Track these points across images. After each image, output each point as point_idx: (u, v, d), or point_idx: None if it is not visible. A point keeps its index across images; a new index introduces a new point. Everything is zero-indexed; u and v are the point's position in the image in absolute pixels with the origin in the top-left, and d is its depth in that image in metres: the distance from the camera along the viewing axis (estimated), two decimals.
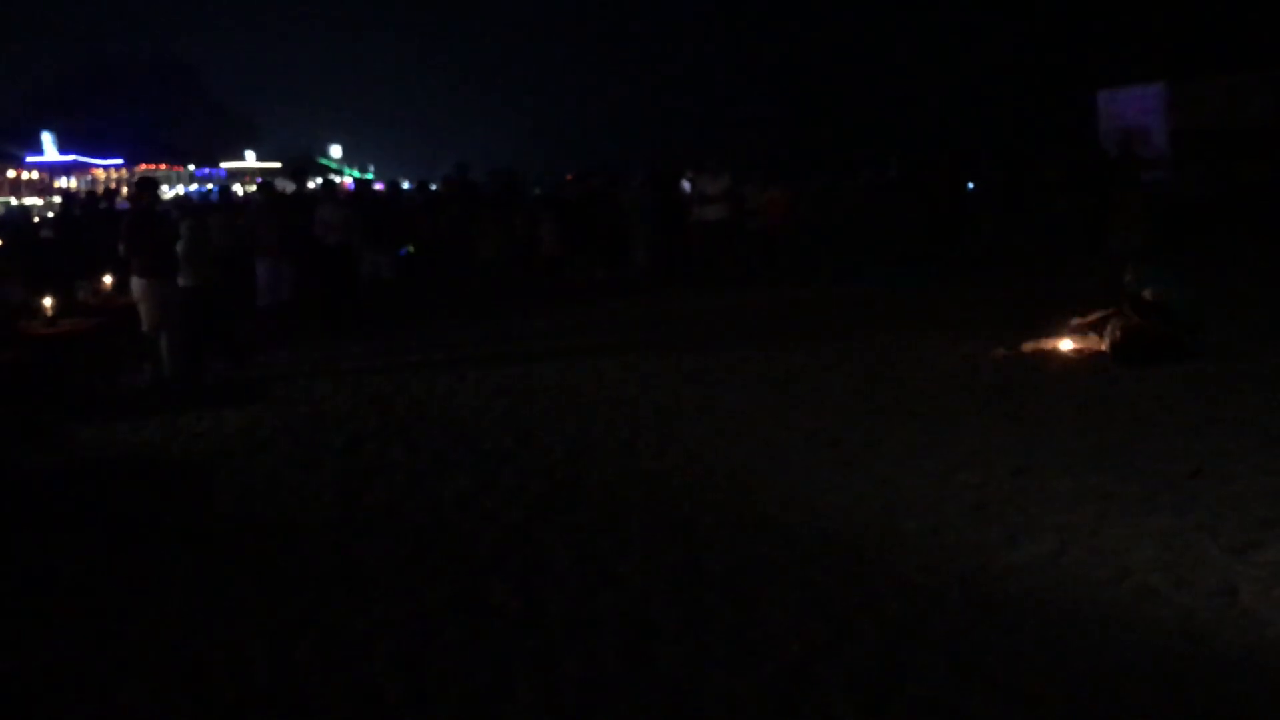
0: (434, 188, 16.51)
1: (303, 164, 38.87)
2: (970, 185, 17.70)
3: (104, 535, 5.89)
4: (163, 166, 63.98)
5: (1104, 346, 8.77)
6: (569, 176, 19.04)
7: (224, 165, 72.85)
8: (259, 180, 24.02)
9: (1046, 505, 5.44)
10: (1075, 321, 9.10)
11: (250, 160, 76.63)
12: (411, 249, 15.14)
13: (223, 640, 4.44)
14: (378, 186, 24.10)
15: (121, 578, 5.23)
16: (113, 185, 39.55)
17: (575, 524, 5.64)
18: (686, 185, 17.12)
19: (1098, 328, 8.94)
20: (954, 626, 4.18)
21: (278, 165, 68.00)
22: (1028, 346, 9.18)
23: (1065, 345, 9.04)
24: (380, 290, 13.85)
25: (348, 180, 42.43)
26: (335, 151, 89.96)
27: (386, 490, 6.46)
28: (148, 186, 10.53)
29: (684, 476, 6.36)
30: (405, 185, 17.70)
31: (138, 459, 7.60)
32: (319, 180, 21.62)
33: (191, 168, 68.78)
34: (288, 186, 20.30)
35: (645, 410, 8.08)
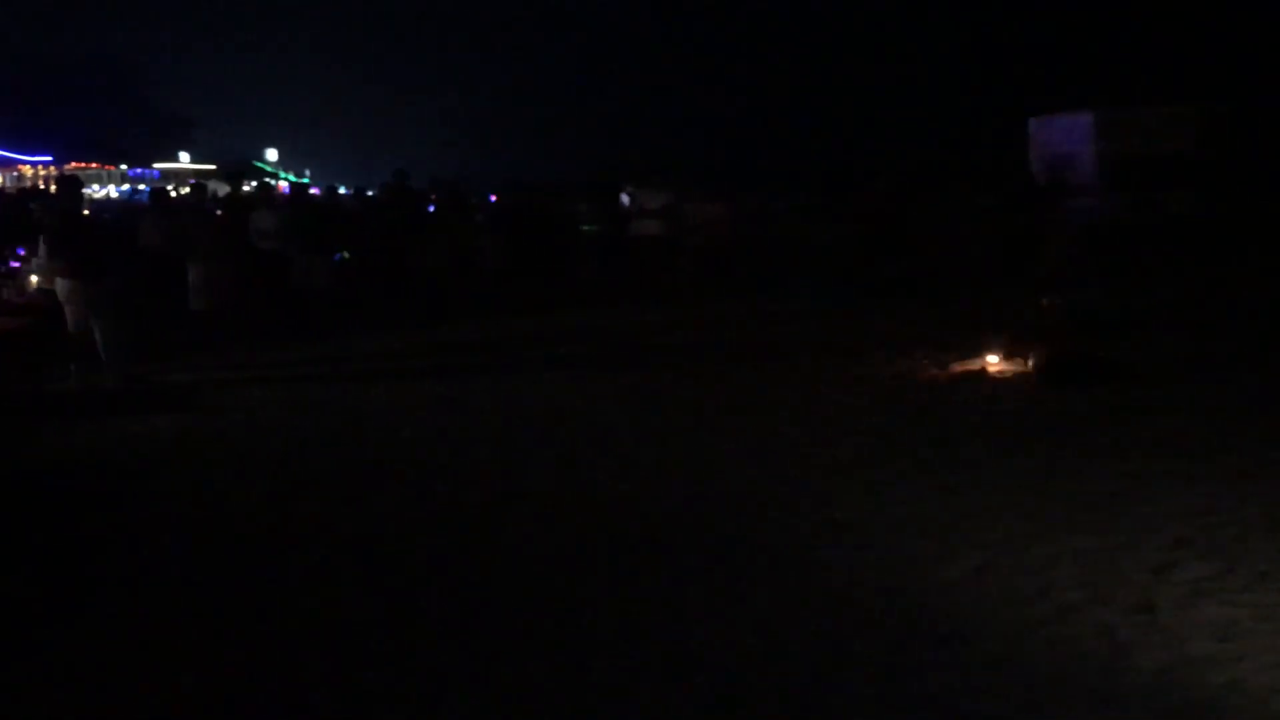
0: (371, 194, 16.41)
1: (239, 167, 38.34)
2: (906, 207, 17.97)
3: (24, 542, 5.77)
4: (94, 166, 62.67)
5: (1029, 367, 8.97)
6: (505, 186, 19.05)
7: (158, 166, 71.54)
8: (192, 182, 23.67)
9: (972, 523, 5.55)
10: (1000, 341, 9.30)
11: (185, 162, 75.36)
12: (346, 255, 15.02)
13: (148, 650, 4.38)
14: (314, 191, 23.86)
15: (42, 585, 5.13)
16: (38, 183, 38.66)
17: (509, 537, 5.64)
18: (625, 199, 17.21)
19: (1022, 348, 9.16)
20: (883, 642, 4.25)
21: (213, 167, 66.97)
22: (956, 367, 9.36)
23: (993, 365, 9.23)
24: (315, 297, 13.72)
25: (284, 184, 41.95)
26: (272, 155, 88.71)
27: (320, 501, 6.40)
28: (71, 185, 10.36)
29: (619, 490, 6.39)
30: (342, 190, 17.57)
31: (63, 464, 7.45)
32: (254, 184, 21.36)
33: (124, 168, 67.46)
34: (221, 189, 20.06)
35: (582, 424, 8.10)
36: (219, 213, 13.87)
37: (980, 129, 39.41)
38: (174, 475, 6.98)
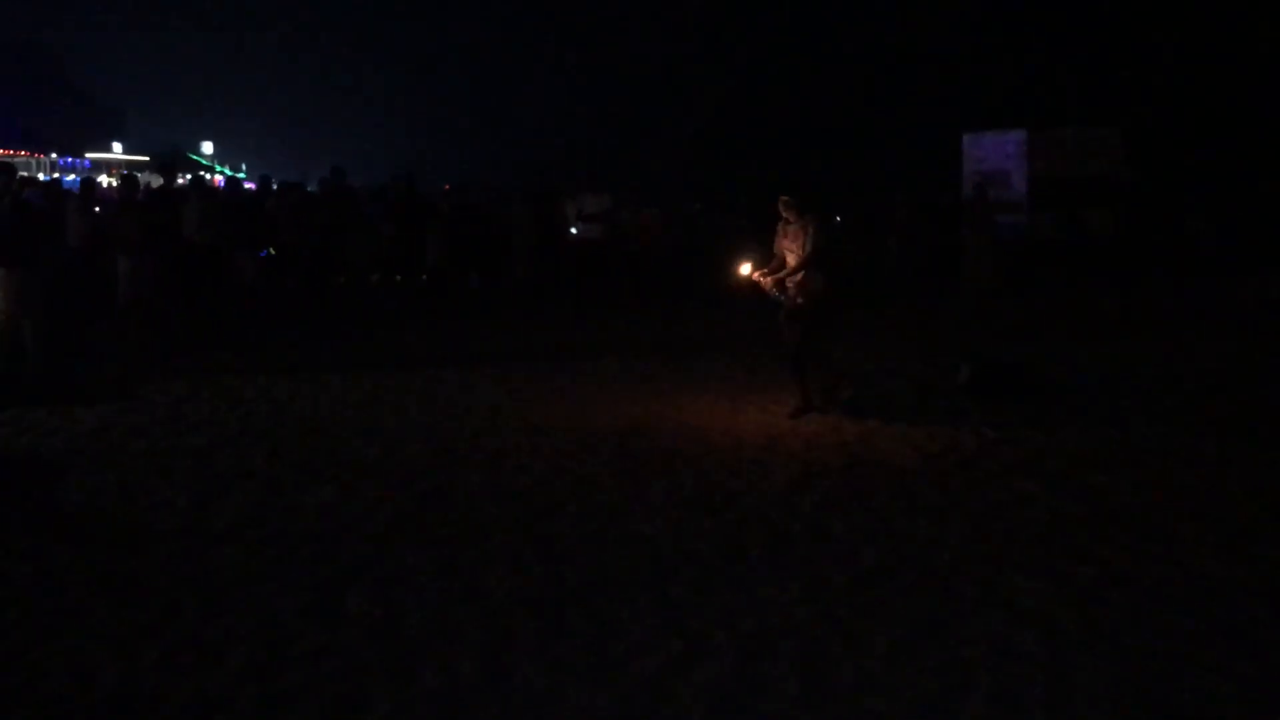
0: (311, 189, 16.21)
1: (172, 159, 37.67)
2: (838, 219, 18.24)
3: None
4: (23, 154, 61.14)
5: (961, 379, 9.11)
6: (446, 187, 18.94)
7: (89, 156, 69.98)
8: (121, 173, 23.22)
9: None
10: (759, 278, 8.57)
11: (117, 152, 73.80)
12: (272, 251, 14.81)
13: (66, 646, 4.31)
14: (249, 186, 23.52)
15: None
16: None
17: (437, 536, 5.63)
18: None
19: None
20: (805, 641, 4.32)
21: (145, 159, 65.65)
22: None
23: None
24: (244, 293, 13.54)
25: (219, 178, 41.28)
26: (207, 148, 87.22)
27: (244, 496, 6.33)
28: (7, 172, 10.13)
29: (546, 490, 6.41)
30: (274, 185, 17.37)
31: None
32: (188, 177, 21.01)
33: (54, 156, 65.93)
34: (154, 180, 19.69)
35: (513, 423, 8.11)
36: (148, 205, 13.59)
37: (914, 143, 39.99)
38: (95, 468, 6.85)
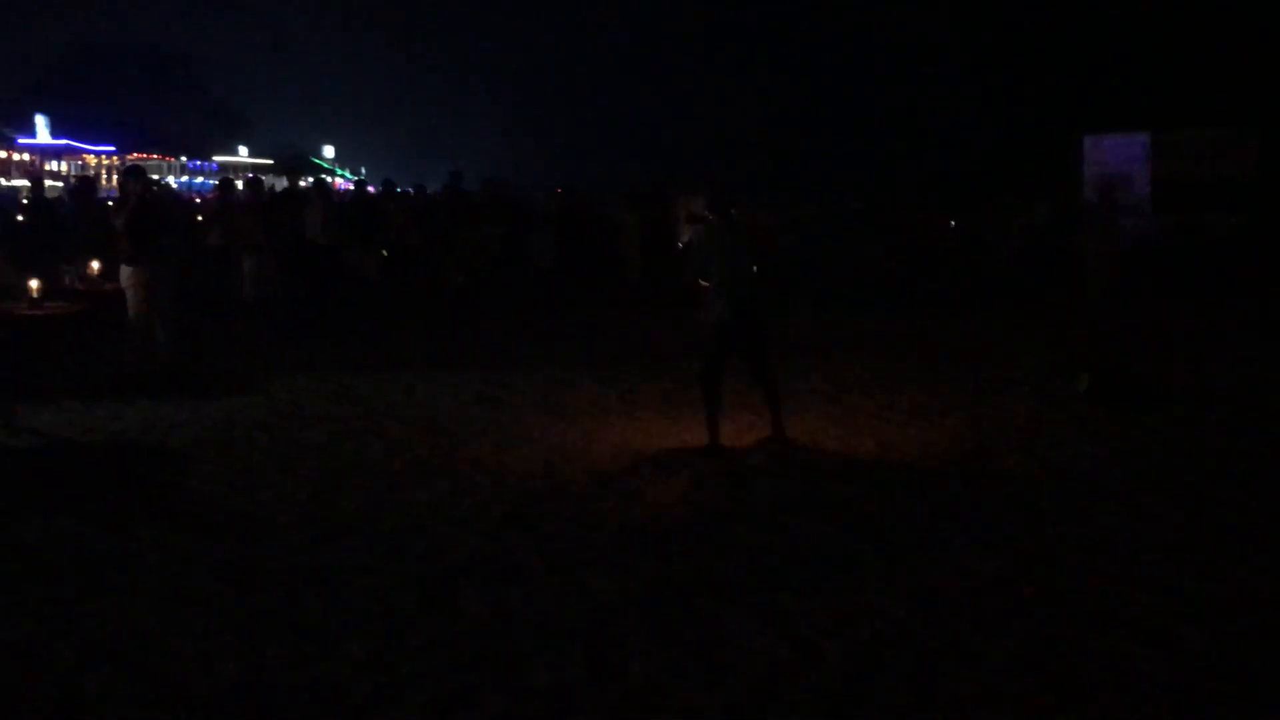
0: (430, 191, 16.60)
1: (297, 162, 38.85)
2: (953, 223, 17.87)
3: (75, 520, 5.90)
4: (154, 157, 63.66)
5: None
6: (558, 190, 19.13)
7: (216, 159, 72.59)
8: (248, 176, 24.03)
9: None
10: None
11: (243, 155, 76.40)
12: (385, 254, 15.16)
13: (192, 633, 4.46)
14: (370, 189, 24.13)
15: (92, 565, 5.23)
16: (94, 173, 39.27)
17: (547, 534, 5.69)
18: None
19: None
20: (917, 652, 4.25)
21: (269, 162, 67.83)
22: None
23: None
24: (364, 292, 13.88)
25: (340, 181, 42.39)
26: (329, 152, 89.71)
27: (362, 490, 6.49)
28: (137, 175, 10.57)
29: (655, 491, 6.40)
30: (397, 189, 17.86)
31: (115, 445, 7.61)
32: (310, 180, 21.65)
33: (184, 160, 68.55)
34: (279, 183, 20.31)
35: (621, 423, 8.14)
36: (272, 207, 14.06)
37: (1034, 144, 39.03)
38: (220, 461, 7.09)
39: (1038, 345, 11.72)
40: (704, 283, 7.31)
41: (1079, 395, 8.77)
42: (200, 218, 15.92)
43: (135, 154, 60.90)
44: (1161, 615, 4.57)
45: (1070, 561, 5.24)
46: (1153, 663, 4.13)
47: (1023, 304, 15.15)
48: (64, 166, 56.33)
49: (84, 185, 15.92)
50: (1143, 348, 11.20)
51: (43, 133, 60.17)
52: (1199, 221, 18.09)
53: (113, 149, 63.90)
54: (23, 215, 14.98)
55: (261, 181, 14.75)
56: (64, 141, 61.59)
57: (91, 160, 59.72)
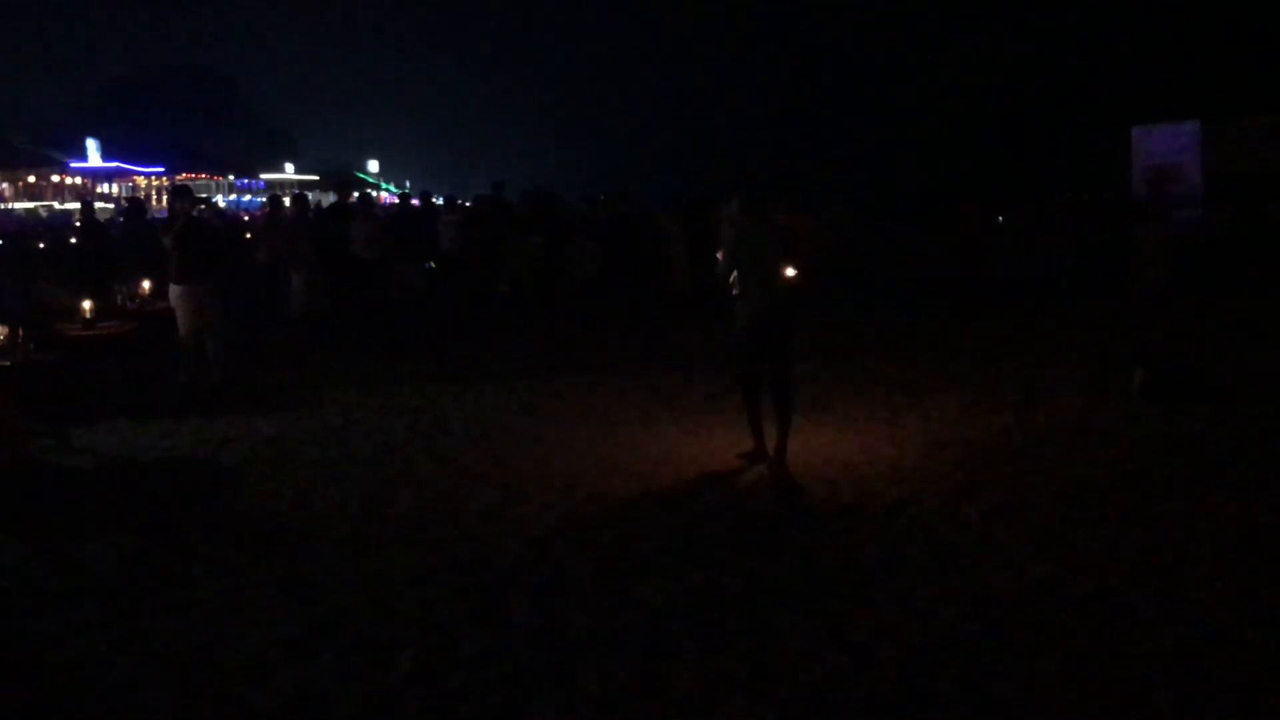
0: (467, 204, 16.70)
1: (344, 178, 39.29)
2: (1000, 219, 17.68)
3: (132, 537, 5.98)
4: (203, 176, 64.72)
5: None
6: (601, 197, 19.13)
7: (264, 177, 73.63)
8: (294, 193, 24.33)
9: None
10: None
11: (289, 173, 77.41)
12: (432, 265, 15.25)
13: (245, 646, 4.50)
14: (413, 202, 24.33)
15: (147, 580, 5.30)
16: (144, 194, 39.94)
17: (596, 542, 5.69)
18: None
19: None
20: (971, 656, 4.19)
21: (316, 178, 68.67)
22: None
23: None
24: (410, 304, 13.98)
25: (384, 195, 42.79)
26: (373, 166, 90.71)
27: (411, 502, 6.52)
28: (185, 195, 10.72)
29: (701, 499, 6.39)
30: (438, 200, 17.97)
31: (168, 462, 7.71)
32: (356, 194, 21.88)
33: (232, 178, 69.61)
34: (327, 199, 20.53)
35: (669, 431, 8.12)
36: (319, 223, 14.22)
37: (1081, 136, 38.52)
38: (272, 475, 7.15)
39: (1090, 342, 11.56)
40: (733, 288, 7.23)
41: (1133, 392, 8.64)
42: (249, 235, 16.13)
43: (184, 174, 61.93)
44: (1224, 615, 4.48)
45: (1126, 560, 5.15)
46: (1215, 665, 4.04)
47: (1073, 300, 14.95)
48: (115, 188, 57.38)
49: (134, 206, 16.18)
50: (1198, 343, 11.01)
51: (94, 156, 61.38)
52: (1255, 212, 17.73)
53: (162, 170, 65.04)
54: (75, 238, 15.28)
55: (307, 198, 14.91)
56: (114, 164, 62.77)
57: (141, 182, 60.80)
